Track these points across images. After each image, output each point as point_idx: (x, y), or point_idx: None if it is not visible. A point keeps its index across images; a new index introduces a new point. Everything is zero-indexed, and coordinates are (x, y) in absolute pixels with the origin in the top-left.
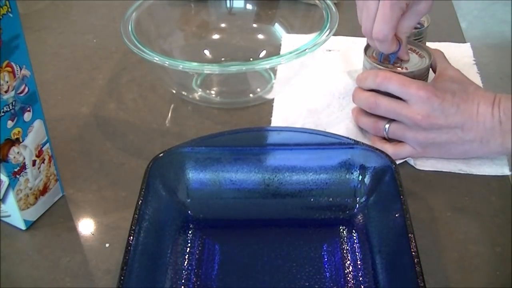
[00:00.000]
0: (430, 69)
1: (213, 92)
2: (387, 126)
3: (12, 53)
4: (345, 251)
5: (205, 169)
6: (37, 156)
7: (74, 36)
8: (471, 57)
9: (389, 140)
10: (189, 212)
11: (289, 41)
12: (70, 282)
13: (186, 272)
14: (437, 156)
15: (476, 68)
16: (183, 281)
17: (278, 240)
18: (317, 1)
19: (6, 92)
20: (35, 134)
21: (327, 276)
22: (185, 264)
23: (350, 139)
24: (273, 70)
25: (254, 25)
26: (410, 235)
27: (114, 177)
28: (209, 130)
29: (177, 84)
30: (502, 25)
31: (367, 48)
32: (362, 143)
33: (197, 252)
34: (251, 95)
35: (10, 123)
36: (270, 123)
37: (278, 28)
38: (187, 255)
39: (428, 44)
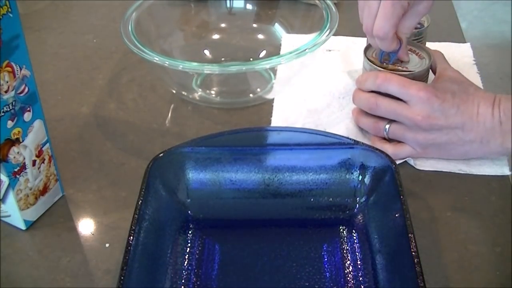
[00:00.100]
0: (430, 70)
1: (213, 92)
2: (387, 126)
3: (12, 53)
4: (345, 251)
5: (205, 169)
6: (37, 156)
7: (74, 36)
8: (471, 57)
9: (389, 140)
10: (189, 212)
11: (289, 41)
12: (70, 282)
13: (186, 272)
14: (437, 157)
15: (476, 68)
16: (183, 281)
17: (278, 240)
18: (317, 1)
19: (6, 92)
20: (35, 134)
21: (327, 276)
22: (185, 264)
23: (350, 139)
24: (273, 70)
25: (254, 25)
26: (410, 235)
27: (114, 177)
28: (209, 130)
29: (177, 84)
30: (502, 25)
31: (367, 49)
32: (362, 143)
33: (197, 252)
34: (251, 95)
35: (10, 123)
36: (270, 123)
37: (278, 28)
38: (187, 255)
39: (428, 44)
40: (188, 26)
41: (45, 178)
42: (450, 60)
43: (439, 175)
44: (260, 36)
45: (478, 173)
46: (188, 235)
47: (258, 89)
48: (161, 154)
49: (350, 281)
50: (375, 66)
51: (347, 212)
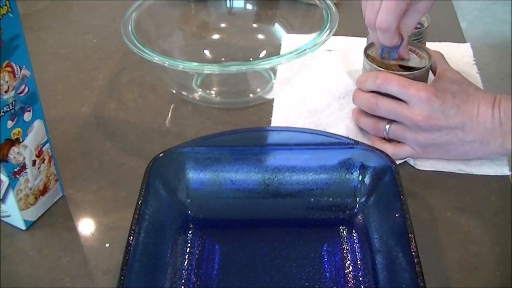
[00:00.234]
0: (430, 70)
1: (213, 92)
2: (387, 126)
3: (12, 53)
4: (345, 251)
5: (205, 169)
6: (37, 156)
7: (74, 36)
8: (471, 57)
9: (389, 140)
10: (189, 212)
11: (289, 41)
12: (70, 282)
13: (186, 272)
14: (437, 157)
15: (476, 68)
16: (183, 281)
17: (278, 240)
18: (317, 1)
19: (6, 92)
20: (35, 134)
21: (327, 276)
22: (185, 264)
23: (350, 139)
24: (273, 70)
25: (254, 25)
26: (410, 235)
27: (114, 177)
28: (209, 130)
29: (177, 84)
30: (502, 25)
31: (367, 49)
32: (362, 143)
33: (197, 252)
34: (251, 95)
35: (10, 123)
36: (270, 123)
37: (278, 28)
38: (187, 255)
39: (428, 44)
40: (188, 26)
41: (45, 178)
42: (450, 60)
43: (439, 175)
44: (260, 36)
45: (478, 173)
46: (188, 235)
47: (258, 89)
48: (161, 154)
49: (350, 281)
50: (375, 66)
51: (347, 212)
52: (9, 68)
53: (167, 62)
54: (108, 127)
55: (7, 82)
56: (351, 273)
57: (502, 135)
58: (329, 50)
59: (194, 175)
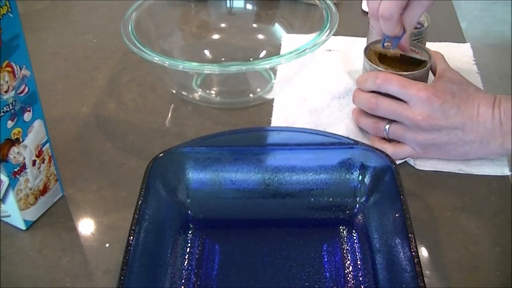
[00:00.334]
0: (430, 71)
1: (213, 92)
2: (387, 126)
3: (12, 53)
4: (345, 251)
5: (205, 169)
6: (37, 156)
7: (74, 36)
8: (471, 57)
9: (389, 140)
10: (189, 212)
11: (289, 41)
12: (70, 282)
13: (186, 272)
14: (437, 157)
15: (476, 68)
16: (183, 281)
17: (278, 240)
18: (317, 1)
19: (6, 92)
20: (35, 134)
21: (327, 276)
22: (185, 264)
23: (350, 139)
24: (273, 70)
25: (254, 25)
26: (410, 235)
27: (114, 177)
28: (209, 130)
29: (177, 84)
30: (502, 25)
31: (367, 49)
32: (362, 143)
33: (197, 252)
34: (251, 95)
35: (10, 123)
36: (270, 123)
37: (278, 28)
38: (187, 255)
39: (428, 44)
40: (188, 26)
41: (45, 178)
42: (450, 60)
43: (439, 175)
44: (260, 36)
45: (478, 173)
46: (188, 235)
47: (258, 89)
48: (161, 154)
49: (350, 281)
50: (375, 66)
51: (347, 212)
52: (9, 68)
53: (167, 62)
54: (108, 127)
55: (7, 82)
56: (351, 273)
57: (502, 135)
58: (329, 50)
59: (194, 175)
